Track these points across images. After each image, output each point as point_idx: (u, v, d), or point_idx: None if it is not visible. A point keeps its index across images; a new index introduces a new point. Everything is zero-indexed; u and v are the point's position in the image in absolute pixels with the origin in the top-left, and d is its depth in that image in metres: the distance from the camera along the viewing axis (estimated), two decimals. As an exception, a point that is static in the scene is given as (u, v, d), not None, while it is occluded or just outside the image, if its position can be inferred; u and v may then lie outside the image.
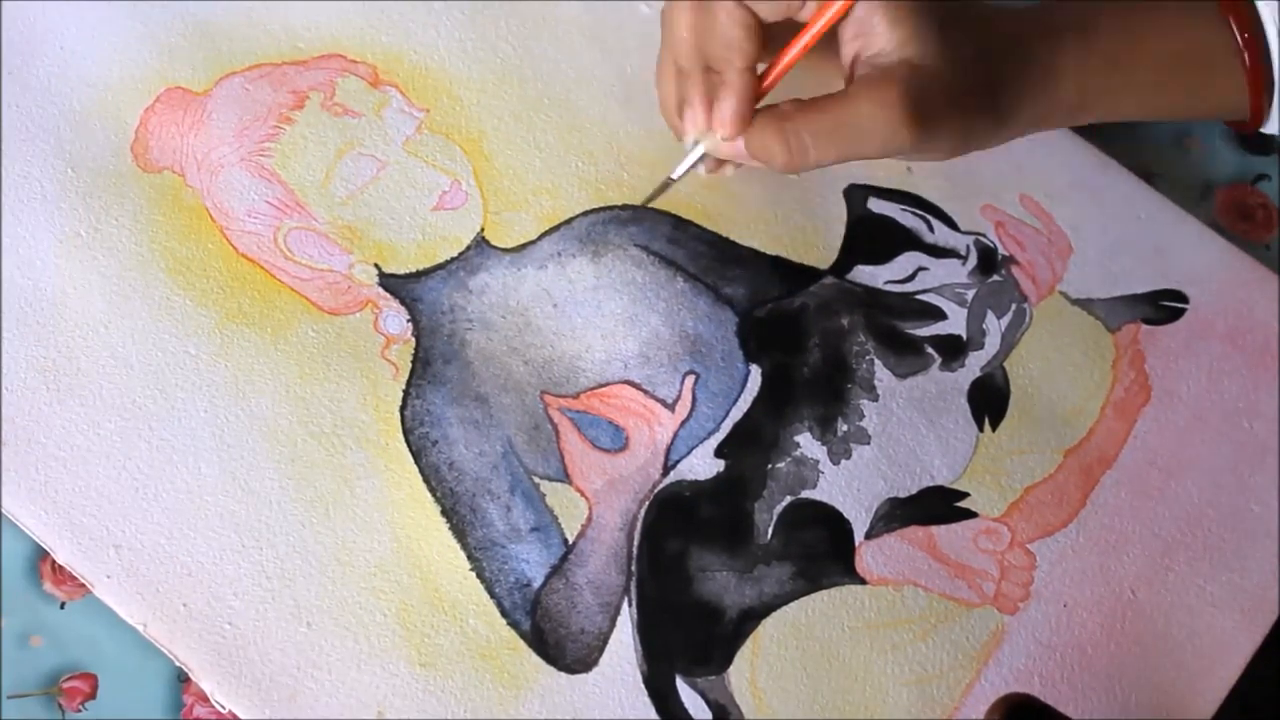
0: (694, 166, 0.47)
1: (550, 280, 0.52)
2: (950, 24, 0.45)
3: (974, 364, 0.52)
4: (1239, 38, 0.47)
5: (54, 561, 0.48)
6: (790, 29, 0.45)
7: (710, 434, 0.50)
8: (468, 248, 0.52)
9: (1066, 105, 0.48)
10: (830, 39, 0.45)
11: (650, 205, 0.49)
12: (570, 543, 0.49)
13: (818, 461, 0.50)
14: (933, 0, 0.45)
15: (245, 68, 0.54)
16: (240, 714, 0.46)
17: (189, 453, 0.49)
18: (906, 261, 0.53)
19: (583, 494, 0.49)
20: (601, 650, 0.48)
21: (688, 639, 0.48)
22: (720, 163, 0.48)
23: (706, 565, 0.49)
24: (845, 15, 0.44)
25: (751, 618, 0.48)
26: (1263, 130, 0.51)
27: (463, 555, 0.48)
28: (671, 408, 0.50)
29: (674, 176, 0.48)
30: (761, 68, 0.46)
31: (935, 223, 0.54)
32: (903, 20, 0.44)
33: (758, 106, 0.45)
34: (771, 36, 0.45)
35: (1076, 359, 0.52)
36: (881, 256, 0.53)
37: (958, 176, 0.54)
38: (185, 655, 0.47)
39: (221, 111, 0.53)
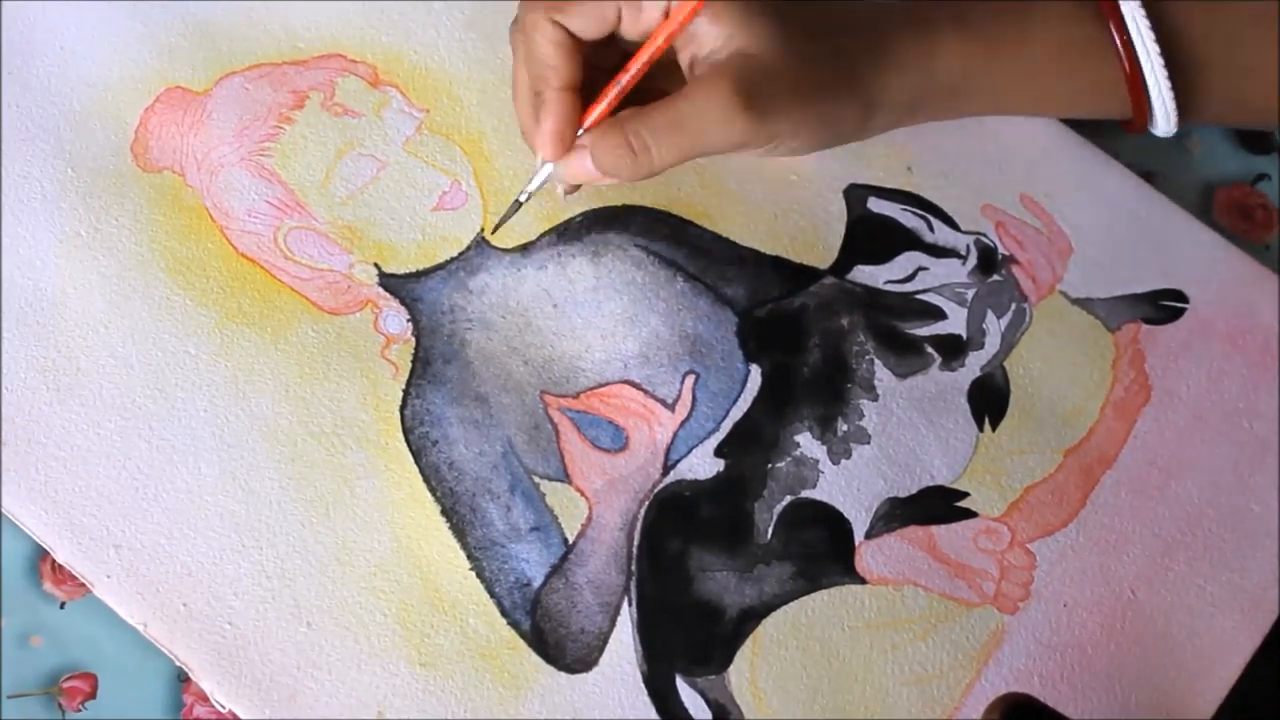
0: (541, 186, 0.48)
1: (550, 280, 0.52)
2: (788, 14, 0.45)
3: (974, 364, 0.52)
4: (1116, 39, 0.47)
5: (54, 561, 0.48)
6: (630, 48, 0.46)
7: (710, 434, 0.50)
8: (468, 248, 0.52)
9: (945, 92, 0.48)
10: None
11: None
12: (570, 542, 0.49)
13: (818, 461, 0.50)
14: None
15: (245, 68, 0.54)
16: (240, 714, 0.46)
17: (189, 453, 0.49)
18: (906, 261, 0.53)
19: (583, 494, 0.49)
20: (601, 650, 0.48)
21: (688, 639, 0.48)
22: (570, 183, 0.48)
23: (706, 565, 0.49)
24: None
25: (751, 617, 0.48)
26: (1152, 131, 0.51)
27: (463, 555, 0.48)
28: (671, 408, 0.50)
29: (521, 199, 0.48)
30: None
31: (935, 222, 0.54)
32: (725, 15, 0.44)
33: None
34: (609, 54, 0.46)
35: (1076, 359, 0.52)
36: (881, 256, 0.53)
37: (958, 176, 0.54)
38: (185, 655, 0.47)
39: (221, 111, 0.53)
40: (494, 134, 0.54)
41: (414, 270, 0.52)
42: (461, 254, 0.52)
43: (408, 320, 0.51)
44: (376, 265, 0.52)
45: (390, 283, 0.52)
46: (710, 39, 0.45)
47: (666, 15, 0.45)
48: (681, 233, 0.53)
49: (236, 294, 0.51)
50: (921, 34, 0.47)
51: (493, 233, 0.50)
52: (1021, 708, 0.44)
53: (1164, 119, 0.49)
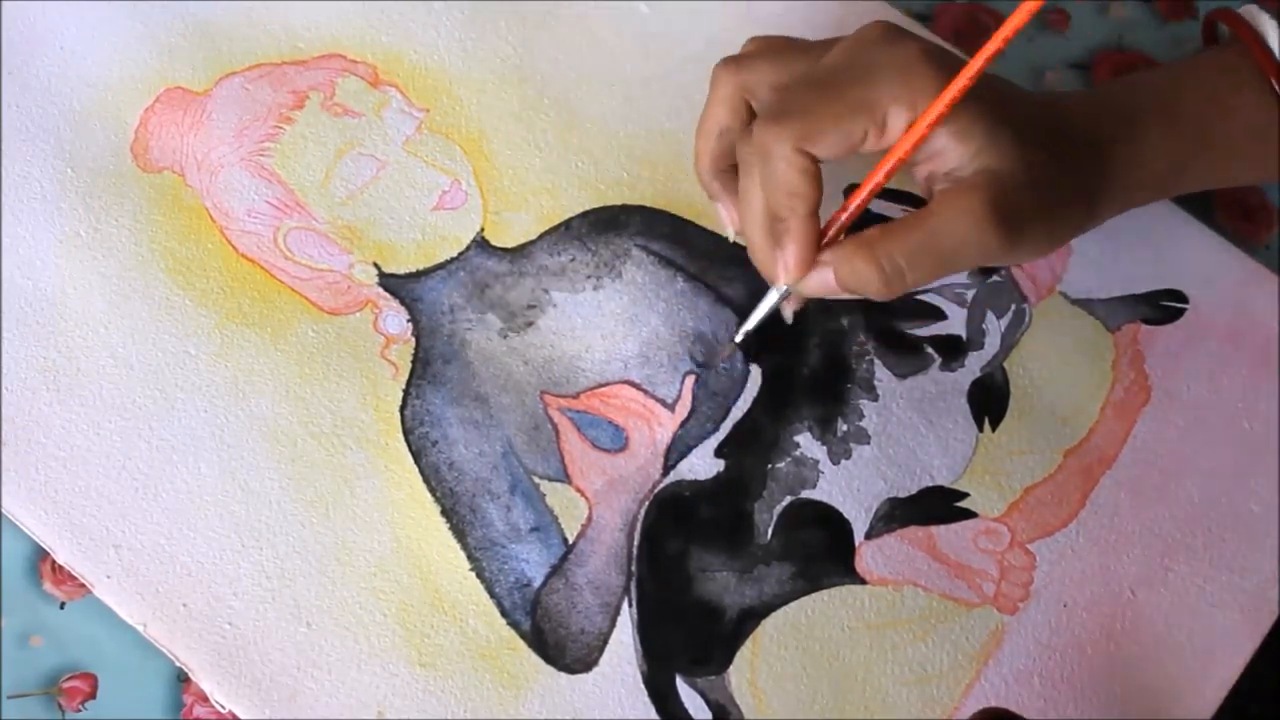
0: (773, 310, 0.48)
1: (550, 280, 0.52)
2: (1023, 124, 0.45)
3: (974, 364, 0.52)
4: None
5: (54, 561, 0.48)
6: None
7: (710, 434, 0.50)
8: (468, 248, 0.52)
9: (1158, 181, 0.49)
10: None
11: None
12: (570, 543, 0.49)
13: (818, 461, 0.50)
14: (998, 104, 0.45)
15: (245, 68, 0.54)
16: (240, 714, 0.46)
17: (189, 453, 0.49)
18: (906, 261, 0.53)
19: (583, 494, 0.49)
20: (601, 650, 0.48)
21: (688, 639, 0.48)
22: (804, 299, 0.48)
23: (706, 565, 0.49)
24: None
25: (751, 618, 0.48)
26: None
27: (463, 555, 0.48)
28: (671, 408, 0.50)
29: (736, 339, 0.49)
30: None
31: (935, 223, 0.54)
32: (971, 133, 0.44)
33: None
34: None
35: (1076, 359, 0.52)
36: (881, 256, 0.53)
37: (958, 176, 0.54)
38: (185, 655, 0.47)
39: (221, 111, 0.53)
40: (494, 133, 0.54)
41: (414, 270, 0.52)
42: (461, 254, 0.52)
43: (408, 320, 0.51)
44: (376, 265, 0.52)
45: (390, 283, 0.52)
46: (955, 156, 0.44)
47: (909, 129, 0.44)
48: (681, 233, 0.53)
49: (236, 294, 0.51)
50: (1131, 137, 0.48)
51: (701, 366, 0.51)
52: None
53: None
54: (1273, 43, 0.48)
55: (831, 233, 0.46)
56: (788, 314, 0.48)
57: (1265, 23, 0.49)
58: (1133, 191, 0.48)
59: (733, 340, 0.49)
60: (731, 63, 0.48)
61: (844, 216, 0.46)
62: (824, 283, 0.45)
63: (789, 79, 0.47)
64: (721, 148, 0.48)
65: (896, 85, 0.44)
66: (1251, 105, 0.49)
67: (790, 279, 0.45)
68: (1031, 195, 0.44)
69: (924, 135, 0.43)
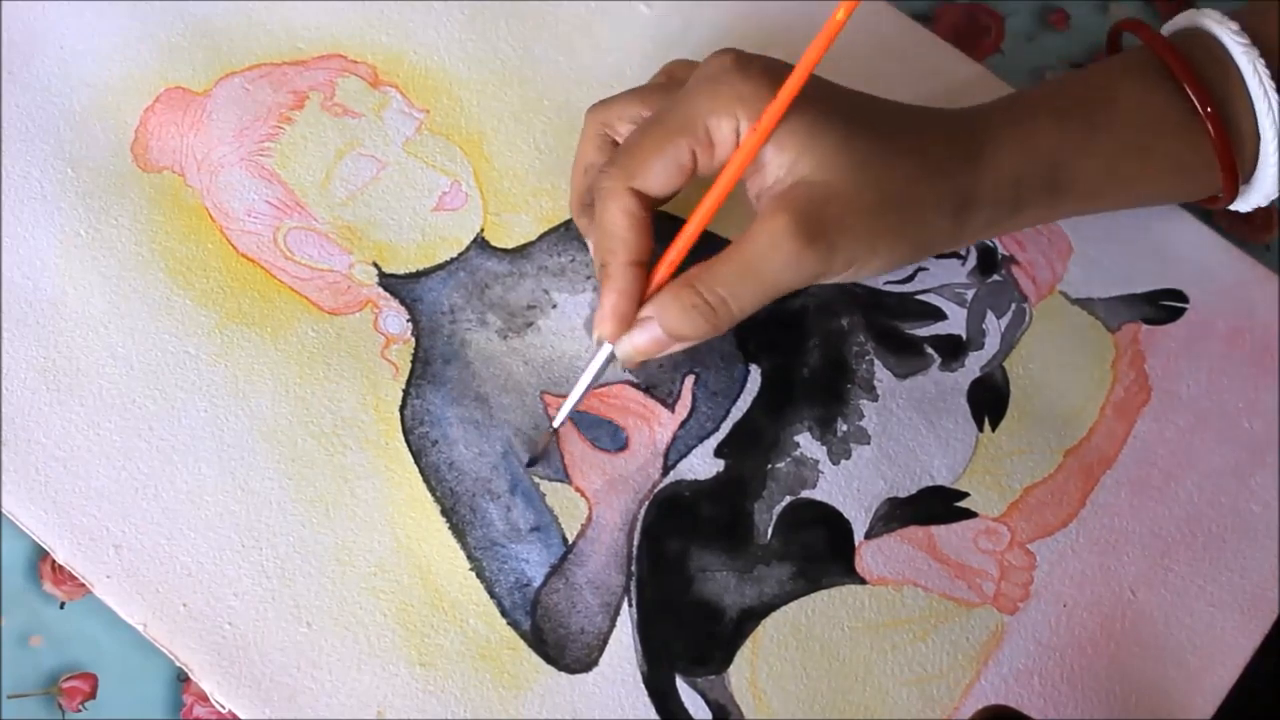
0: (601, 372, 0.46)
1: (550, 280, 0.52)
2: (860, 130, 0.43)
3: (974, 364, 0.52)
4: (1202, 111, 0.46)
5: (54, 561, 0.48)
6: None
7: (710, 434, 0.50)
8: (468, 248, 0.52)
9: (1045, 183, 0.46)
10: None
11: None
12: (570, 543, 0.49)
13: (817, 461, 0.50)
14: (826, 109, 0.43)
15: (245, 68, 0.54)
16: (240, 714, 0.46)
17: (189, 453, 0.49)
18: (906, 261, 0.53)
19: (583, 494, 0.49)
20: (601, 650, 0.48)
21: (688, 639, 0.48)
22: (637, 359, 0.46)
23: (706, 565, 0.49)
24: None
25: (751, 618, 0.48)
26: (1232, 208, 0.50)
27: (463, 555, 0.48)
28: (671, 408, 0.50)
29: (554, 428, 0.48)
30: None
31: (935, 223, 0.54)
32: (787, 141, 0.42)
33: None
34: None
35: (1076, 359, 0.52)
36: (881, 256, 0.53)
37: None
38: (185, 655, 0.47)
39: (221, 111, 0.53)
40: (494, 134, 0.54)
41: (414, 270, 0.52)
42: (461, 254, 0.52)
43: (408, 320, 0.51)
44: (376, 265, 0.52)
45: (390, 283, 0.52)
46: (774, 168, 0.43)
47: (741, 142, 0.43)
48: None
49: (236, 294, 0.51)
50: (1016, 123, 0.45)
51: (528, 466, 0.49)
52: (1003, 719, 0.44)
53: (1266, 189, 0.48)
54: (1210, 25, 0.46)
55: (660, 273, 0.44)
56: (620, 368, 0.47)
57: (1203, 16, 0.47)
58: (1018, 191, 0.46)
59: (551, 429, 0.48)
60: (599, 103, 0.48)
61: (672, 254, 0.44)
62: (652, 338, 0.44)
63: (646, 114, 0.46)
64: (588, 184, 0.48)
65: (707, 97, 0.42)
66: (1149, 99, 0.47)
67: (604, 332, 0.44)
68: (857, 203, 0.42)
69: (755, 148, 0.42)
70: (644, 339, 0.44)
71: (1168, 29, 0.49)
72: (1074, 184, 0.47)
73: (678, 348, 0.45)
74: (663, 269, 0.45)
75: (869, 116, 0.44)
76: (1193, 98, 0.46)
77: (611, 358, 0.46)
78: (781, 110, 0.41)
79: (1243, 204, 0.50)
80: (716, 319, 0.43)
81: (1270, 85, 0.46)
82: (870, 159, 0.43)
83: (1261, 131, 0.46)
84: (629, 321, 0.44)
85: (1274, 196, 0.49)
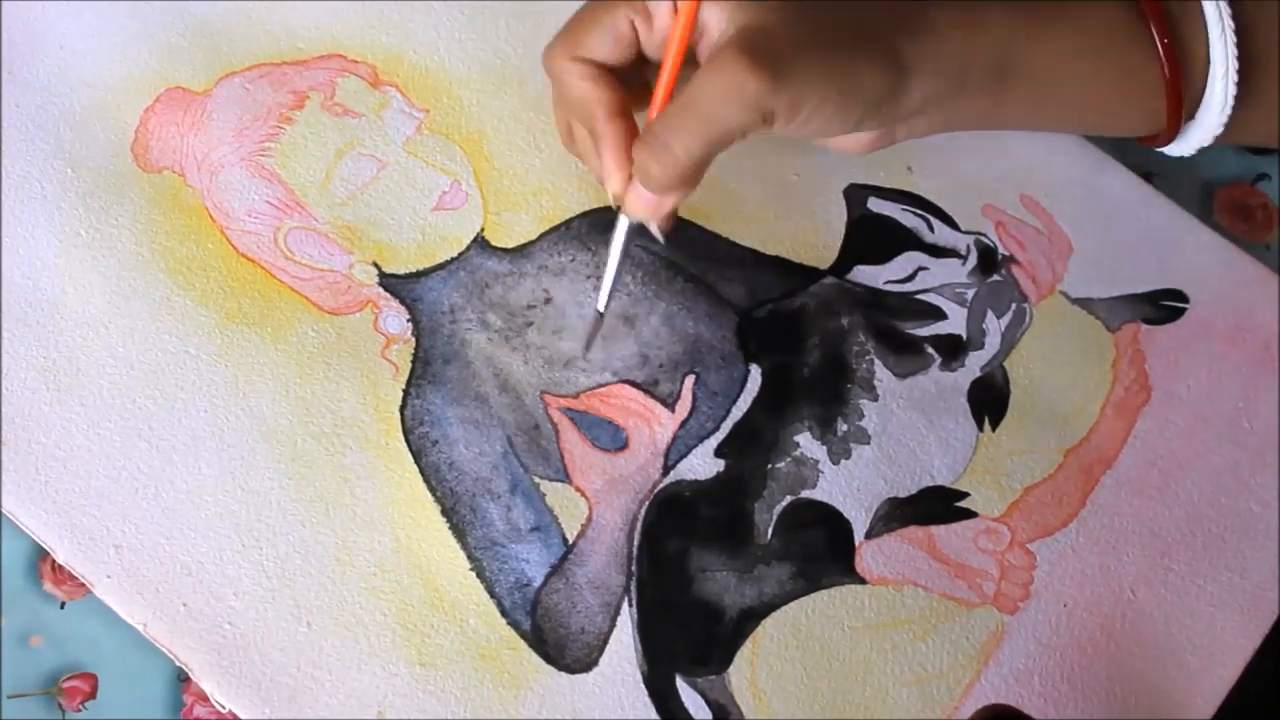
0: (626, 244, 0.46)
1: (550, 281, 0.52)
2: None
3: (974, 364, 0.52)
4: (1159, 43, 0.45)
5: (54, 561, 0.48)
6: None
7: (710, 434, 0.50)
8: (468, 248, 0.52)
9: (991, 69, 0.45)
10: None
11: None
12: (570, 543, 0.49)
13: (817, 461, 0.50)
14: None
15: (245, 68, 0.54)
16: (240, 714, 0.46)
17: (189, 453, 0.49)
18: (906, 261, 0.53)
19: (583, 494, 0.49)
20: (601, 650, 0.48)
21: (688, 639, 0.48)
22: (665, 217, 0.46)
23: (706, 565, 0.49)
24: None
25: (751, 618, 0.48)
26: (1166, 150, 0.48)
27: (463, 555, 0.48)
28: (671, 408, 0.50)
29: (608, 287, 0.47)
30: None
31: (935, 222, 0.54)
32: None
33: None
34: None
35: (1076, 359, 0.52)
36: (881, 256, 0.53)
37: (958, 176, 0.54)
38: (185, 655, 0.47)
39: (221, 111, 0.53)
40: (494, 134, 0.54)
41: (414, 270, 0.52)
42: (461, 254, 0.52)
43: (408, 320, 0.51)
44: (376, 265, 0.52)
45: (390, 283, 0.52)
46: (715, 24, 0.43)
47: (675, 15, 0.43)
48: (681, 233, 0.53)
49: (236, 294, 0.51)
50: (970, 3, 0.44)
51: (586, 351, 0.50)
52: (1002, 718, 0.44)
53: (1209, 126, 0.47)
54: None
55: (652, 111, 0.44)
56: (660, 236, 0.46)
57: None
58: (962, 69, 0.44)
59: (598, 312, 0.48)
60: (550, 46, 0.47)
61: (658, 93, 0.44)
62: (642, 197, 0.44)
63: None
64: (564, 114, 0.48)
65: None
66: (1105, 6, 0.46)
67: (614, 185, 0.44)
68: (801, 37, 0.41)
69: (694, 10, 0.42)
70: (634, 198, 0.44)
71: None
72: (1021, 75, 0.46)
73: (669, 203, 0.44)
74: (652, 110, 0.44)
75: None
76: (1149, 18, 0.45)
77: (631, 227, 0.46)
78: None
79: (1184, 145, 0.48)
80: (661, 164, 0.42)
81: (1227, 11, 0.45)
82: (814, 7, 0.42)
83: (1212, 55, 0.45)
84: (629, 168, 0.44)
85: (1216, 133, 0.47)
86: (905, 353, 0.52)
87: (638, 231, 0.46)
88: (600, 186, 0.47)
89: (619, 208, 0.45)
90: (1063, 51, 0.46)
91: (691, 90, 0.42)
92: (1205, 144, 0.48)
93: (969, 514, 0.50)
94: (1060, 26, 0.45)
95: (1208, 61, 0.46)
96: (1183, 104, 0.47)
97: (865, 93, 0.43)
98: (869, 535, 0.50)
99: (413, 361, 0.51)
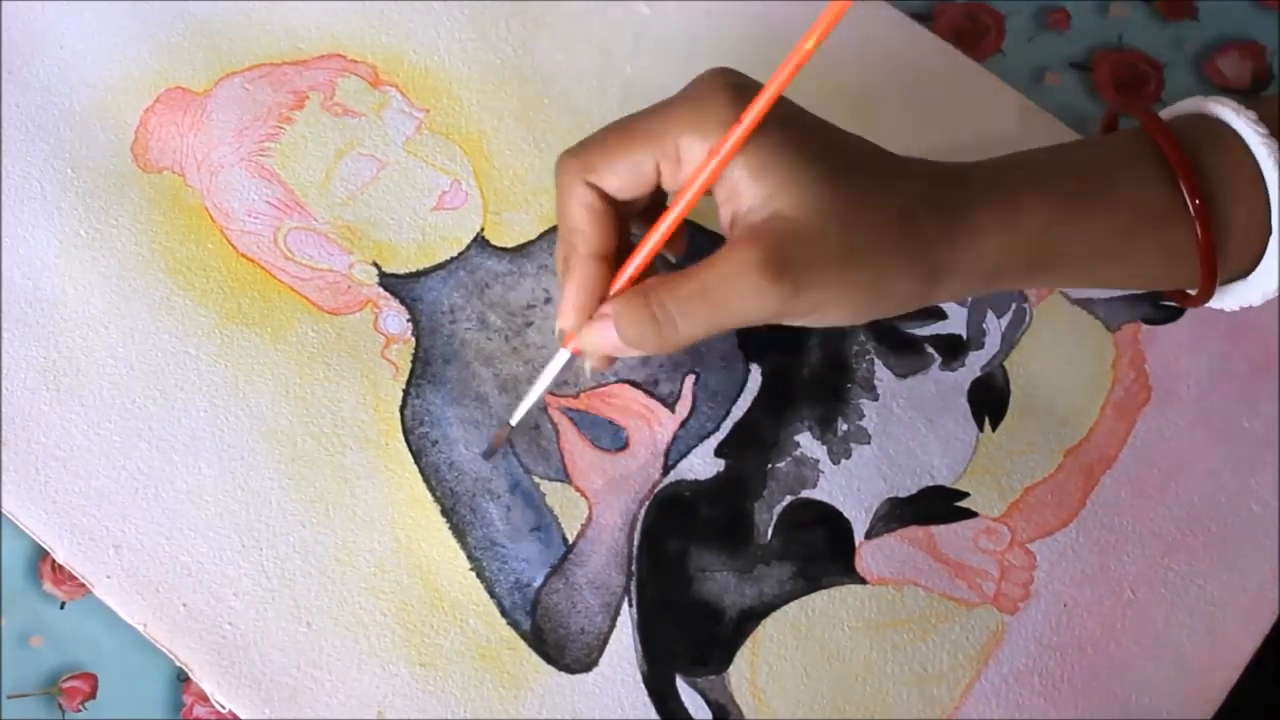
0: (558, 371, 0.45)
1: (550, 280, 0.52)
2: (843, 169, 0.41)
3: (974, 364, 0.52)
4: (1190, 204, 0.43)
5: (54, 561, 0.48)
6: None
7: (710, 434, 0.50)
8: (468, 247, 0.52)
9: (1024, 261, 0.43)
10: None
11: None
12: (570, 543, 0.49)
13: (818, 461, 0.50)
14: (809, 142, 0.41)
15: (245, 68, 0.54)
16: (240, 714, 0.46)
17: (189, 453, 0.49)
18: (906, 261, 0.53)
19: (583, 494, 0.49)
20: (601, 650, 0.48)
21: (688, 639, 0.48)
22: (608, 358, 0.45)
23: (706, 565, 0.49)
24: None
25: (751, 618, 0.48)
26: (1220, 306, 0.46)
27: (463, 555, 0.48)
28: (672, 407, 0.50)
29: (511, 422, 0.47)
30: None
31: (935, 223, 0.54)
32: (766, 170, 0.40)
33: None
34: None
35: (1076, 359, 0.52)
36: (881, 256, 0.53)
37: (958, 176, 0.54)
38: (185, 655, 0.47)
39: (221, 111, 0.53)
40: (494, 133, 0.54)
41: (414, 270, 0.52)
42: (461, 254, 0.52)
43: (408, 320, 0.51)
44: (376, 265, 0.52)
45: (390, 283, 0.52)
46: (749, 196, 0.40)
47: (704, 161, 0.41)
48: (681, 232, 0.53)
49: (236, 294, 0.51)
50: (1004, 196, 0.43)
51: (488, 459, 0.49)
52: None
53: (1271, 281, 0.44)
54: (1223, 113, 0.43)
55: (621, 280, 0.43)
56: (586, 369, 0.46)
57: (1215, 103, 0.44)
58: (996, 266, 0.43)
59: (507, 423, 0.47)
60: (571, 152, 0.44)
61: (636, 260, 0.42)
62: (607, 338, 0.42)
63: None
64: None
65: (685, 114, 0.41)
66: (1135, 179, 0.43)
67: (566, 322, 0.43)
68: (830, 249, 0.40)
69: (718, 170, 0.40)
70: (599, 337, 0.43)
71: (1170, 113, 0.46)
72: (1054, 266, 0.44)
73: (632, 353, 0.43)
74: (623, 277, 0.43)
75: (854, 160, 0.42)
76: (1184, 190, 0.43)
77: (571, 359, 0.44)
78: (742, 138, 0.39)
79: (1232, 300, 0.46)
80: (661, 337, 0.41)
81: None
82: (850, 207, 0.41)
83: (1274, 225, 0.43)
84: (587, 315, 0.43)
85: (1272, 295, 0.45)
86: (905, 352, 0.52)
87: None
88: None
89: (561, 340, 0.44)
90: (1100, 234, 0.44)
91: (709, 278, 0.41)
92: (1260, 302, 0.46)
93: (969, 514, 0.50)
94: (1097, 210, 0.43)
95: (1266, 219, 0.43)
96: (1216, 270, 0.44)
97: (892, 299, 0.42)
98: (869, 535, 0.50)
99: (413, 361, 0.51)
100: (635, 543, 0.49)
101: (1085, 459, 0.51)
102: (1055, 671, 0.49)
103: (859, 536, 0.50)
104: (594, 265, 0.42)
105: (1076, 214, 0.43)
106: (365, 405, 0.50)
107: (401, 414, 0.50)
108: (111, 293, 0.51)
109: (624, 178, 0.42)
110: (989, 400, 0.52)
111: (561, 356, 0.44)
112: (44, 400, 0.49)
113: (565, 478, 0.49)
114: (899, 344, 0.52)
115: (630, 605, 0.48)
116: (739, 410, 0.51)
